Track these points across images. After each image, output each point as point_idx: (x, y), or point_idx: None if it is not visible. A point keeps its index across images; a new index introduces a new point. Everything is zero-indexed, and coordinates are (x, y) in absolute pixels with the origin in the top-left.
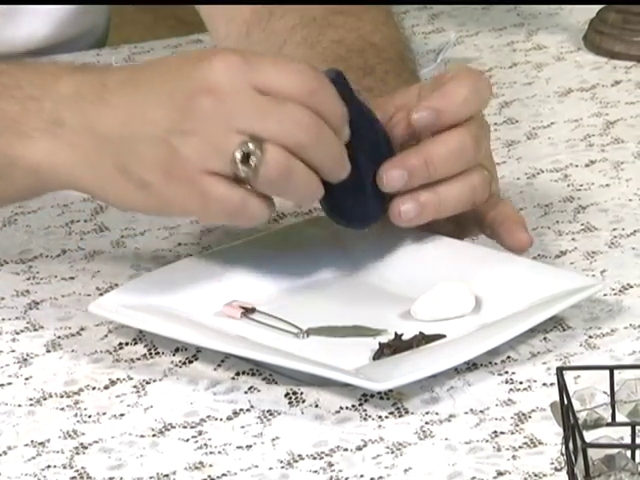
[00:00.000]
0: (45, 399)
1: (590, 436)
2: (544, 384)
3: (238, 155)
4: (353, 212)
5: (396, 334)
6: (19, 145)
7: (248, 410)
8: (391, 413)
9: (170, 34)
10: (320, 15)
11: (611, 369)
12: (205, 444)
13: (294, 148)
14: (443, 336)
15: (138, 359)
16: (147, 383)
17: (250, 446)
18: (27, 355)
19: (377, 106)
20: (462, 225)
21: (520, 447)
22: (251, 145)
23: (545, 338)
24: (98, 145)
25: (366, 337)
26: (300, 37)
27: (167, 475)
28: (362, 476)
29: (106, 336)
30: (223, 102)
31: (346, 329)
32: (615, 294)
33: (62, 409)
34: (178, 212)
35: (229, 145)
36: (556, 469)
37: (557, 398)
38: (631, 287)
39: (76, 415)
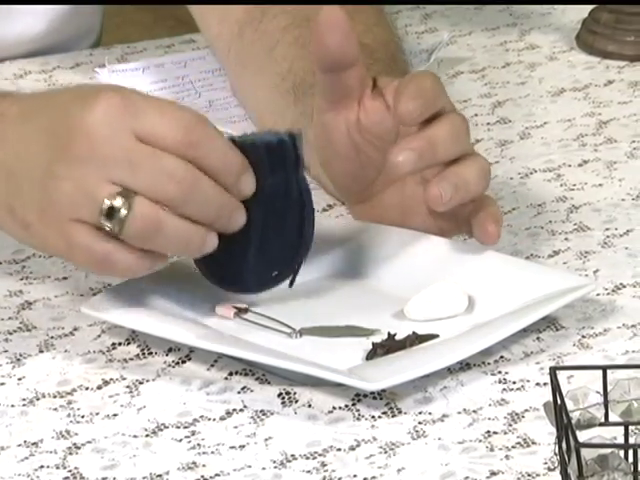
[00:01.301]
0: (38, 399)
1: (583, 436)
2: (537, 384)
3: (105, 208)
4: (226, 274)
5: (389, 334)
6: None
7: (241, 410)
8: (384, 413)
9: (170, 34)
10: (313, 15)
11: (604, 369)
12: (198, 444)
13: (165, 202)
14: (436, 336)
15: (131, 359)
16: (140, 383)
17: (243, 446)
18: (20, 355)
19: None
20: (450, 222)
21: (513, 447)
22: (119, 198)
23: (538, 338)
24: None
25: (359, 337)
26: (292, 37)
27: (160, 475)
28: (355, 476)
29: (99, 336)
30: (98, 148)
31: (339, 329)
32: (608, 294)
33: (55, 409)
34: (54, 254)
35: (99, 195)
36: (549, 469)
37: (550, 398)
38: (624, 287)
39: (69, 415)
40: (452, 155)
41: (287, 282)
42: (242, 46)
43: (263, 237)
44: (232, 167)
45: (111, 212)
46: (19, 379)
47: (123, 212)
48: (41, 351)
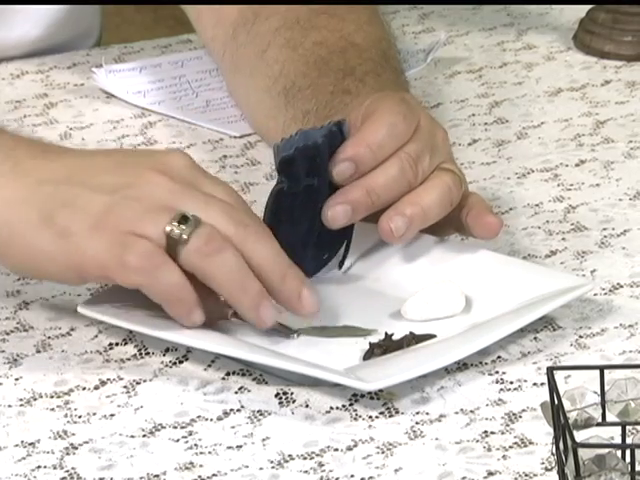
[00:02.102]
0: (35, 399)
1: (580, 436)
2: (534, 384)
3: (178, 214)
4: None
5: (386, 334)
6: None
7: (238, 410)
8: (381, 413)
9: (170, 34)
10: (304, 17)
11: (601, 369)
12: (195, 444)
13: (227, 235)
14: (433, 336)
15: (128, 359)
16: (137, 383)
17: (240, 446)
18: (17, 355)
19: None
20: (438, 226)
21: (510, 447)
22: (190, 215)
23: (535, 338)
24: (28, 188)
25: (357, 337)
26: (283, 39)
27: (157, 475)
28: (352, 476)
29: (96, 336)
30: (172, 182)
31: (336, 329)
32: (605, 294)
33: (52, 409)
34: (92, 265)
35: (168, 214)
36: (546, 469)
37: (547, 398)
38: (621, 287)
39: (66, 415)
40: (394, 198)
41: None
42: (235, 48)
43: (318, 229)
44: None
45: (184, 219)
46: (16, 379)
47: (194, 221)
48: (38, 351)
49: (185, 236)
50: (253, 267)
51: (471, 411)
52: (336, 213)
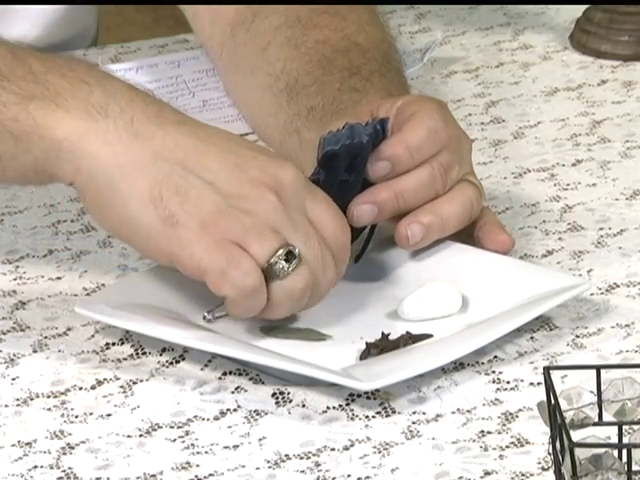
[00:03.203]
0: (32, 399)
1: (577, 436)
2: (531, 384)
3: (284, 250)
4: None
5: (383, 334)
6: (52, 115)
7: (235, 410)
8: (378, 413)
9: (170, 34)
10: (305, 15)
11: (598, 368)
12: (192, 444)
13: (315, 281)
14: (430, 336)
15: (125, 359)
16: (134, 383)
17: (237, 446)
18: (14, 355)
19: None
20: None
21: (507, 447)
22: (296, 252)
23: (532, 338)
24: (144, 157)
25: (312, 341)
26: (284, 37)
27: (154, 475)
28: (349, 476)
29: (93, 336)
30: (283, 204)
31: (297, 331)
32: (602, 293)
33: (49, 409)
34: (190, 264)
35: (274, 238)
36: (543, 469)
37: (544, 398)
38: (618, 286)
39: (63, 415)
40: (419, 204)
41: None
42: (234, 47)
43: None
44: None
45: (290, 255)
46: (13, 379)
47: (297, 262)
48: (35, 351)
49: (285, 272)
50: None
51: (468, 411)
52: (362, 211)
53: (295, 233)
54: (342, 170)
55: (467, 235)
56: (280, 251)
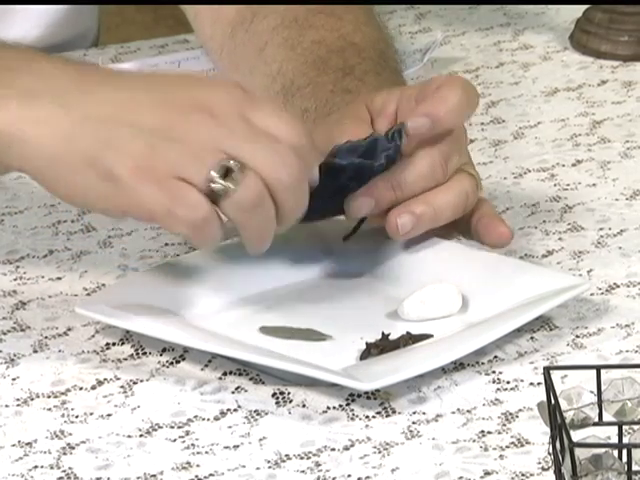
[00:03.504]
0: (32, 399)
1: (577, 436)
2: (531, 384)
3: (218, 170)
4: None
5: (383, 334)
6: None
7: (235, 410)
8: (378, 413)
9: (170, 34)
10: (302, 16)
11: (598, 369)
12: (192, 444)
13: (273, 183)
14: (430, 336)
15: (125, 359)
16: (134, 383)
17: (237, 446)
18: (14, 355)
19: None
20: (444, 228)
21: (507, 447)
22: (233, 164)
23: (532, 338)
24: (73, 125)
25: (312, 341)
26: (281, 38)
27: (154, 475)
28: (349, 476)
29: (93, 336)
30: (217, 121)
31: (297, 331)
32: (602, 294)
33: (49, 409)
34: (139, 212)
35: (211, 159)
36: (543, 469)
37: (544, 398)
38: (618, 287)
39: (63, 415)
40: (417, 194)
41: None
42: (234, 47)
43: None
44: (315, 175)
45: (227, 173)
46: (13, 379)
47: (235, 177)
48: (35, 351)
49: (228, 189)
50: (277, 210)
51: (468, 411)
52: (359, 204)
53: (237, 144)
54: (345, 179)
55: (464, 227)
56: (217, 169)
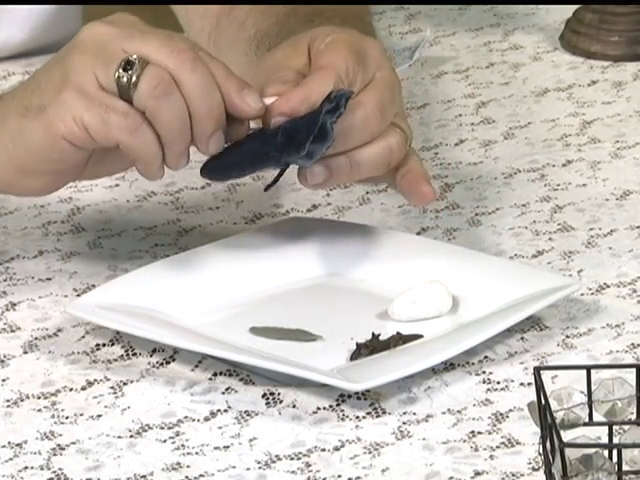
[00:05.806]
0: (22, 400)
1: (567, 436)
2: (521, 384)
3: (123, 66)
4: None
5: (373, 334)
6: None
7: (225, 411)
8: (368, 413)
9: None
10: (284, 7)
11: (588, 369)
12: (182, 445)
13: (176, 73)
14: (420, 336)
15: (115, 360)
16: (124, 384)
17: (227, 447)
18: (4, 356)
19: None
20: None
21: (497, 447)
22: (135, 57)
23: (522, 338)
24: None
25: (302, 342)
26: (262, 8)
27: (144, 476)
28: (340, 476)
29: (83, 337)
30: (114, 29)
31: (287, 331)
32: (592, 294)
33: (39, 410)
34: (72, 132)
35: (114, 58)
36: (533, 469)
37: (534, 398)
38: (608, 287)
39: (53, 416)
40: (376, 173)
41: None
42: (218, 32)
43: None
44: (233, 82)
45: (128, 65)
46: (3, 380)
47: (138, 66)
48: (25, 352)
49: (132, 80)
50: (185, 95)
51: (458, 411)
52: (318, 169)
53: (135, 42)
54: (271, 148)
55: (387, 179)
56: (122, 60)
